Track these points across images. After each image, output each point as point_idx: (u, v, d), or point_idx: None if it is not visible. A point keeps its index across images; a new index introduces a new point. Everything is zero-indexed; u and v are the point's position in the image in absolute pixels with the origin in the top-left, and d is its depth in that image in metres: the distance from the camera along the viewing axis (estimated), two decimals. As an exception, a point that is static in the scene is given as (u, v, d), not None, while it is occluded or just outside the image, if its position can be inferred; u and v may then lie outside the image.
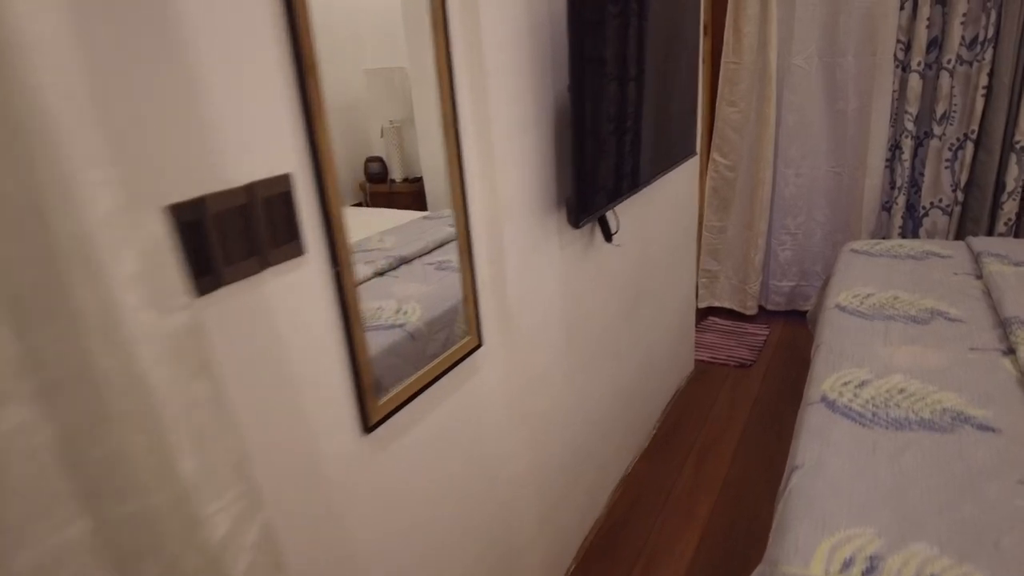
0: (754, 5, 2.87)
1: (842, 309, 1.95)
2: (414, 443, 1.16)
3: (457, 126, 1.16)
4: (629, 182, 1.70)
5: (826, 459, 1.29)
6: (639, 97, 1.67)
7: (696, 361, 2.90)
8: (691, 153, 2.27)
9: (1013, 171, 2.69)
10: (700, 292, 3.34)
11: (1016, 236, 2.74)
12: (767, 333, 3.12)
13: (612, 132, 1.54)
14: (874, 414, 1.42)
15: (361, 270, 1.00)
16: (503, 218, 1.33)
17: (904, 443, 1.32)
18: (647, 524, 1.99)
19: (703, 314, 3.34)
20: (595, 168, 1.50)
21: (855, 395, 1.49)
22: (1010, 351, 1.64)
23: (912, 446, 1.31)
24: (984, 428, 1.35)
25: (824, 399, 1.50)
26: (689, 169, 2.48)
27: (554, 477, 1.69)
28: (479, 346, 1.29)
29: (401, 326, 1.12)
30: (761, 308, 3.33)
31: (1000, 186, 2.75)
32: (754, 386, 2.71)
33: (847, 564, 1.06)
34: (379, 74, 1.23)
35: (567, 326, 1.66)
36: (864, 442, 1.34)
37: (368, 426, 1.02)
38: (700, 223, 3.24)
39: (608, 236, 1.80)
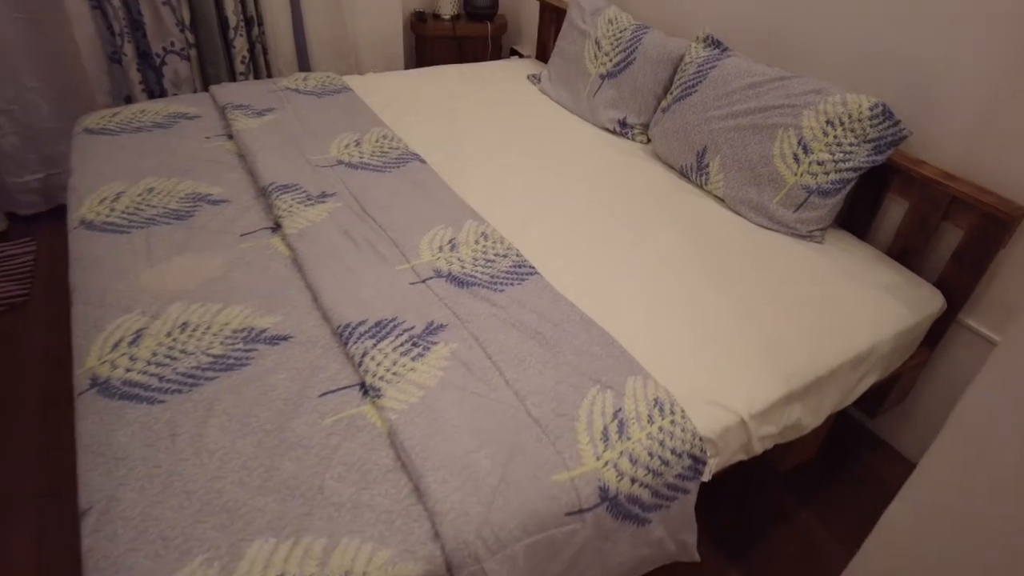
0: None
1: (89, 227, 1.50)
2: None
3: None
4: None
5: (120, 493, 0.94)
6: None
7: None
8: None
9: (230, 4, 2.52)
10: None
11: (256, 76, 2.69)
12: (34, 249, 2.41)
13: None
14: (161, 378, 1.12)
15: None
16: None
17: (207, 407, 1.07)
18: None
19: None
20: None
21: (132, 361, 1.15)
22: (277, 227, 1.55)
23: (216, 408, 1.07)
24: (277, 340, 1.22)
25: (94, 381, 1.11)
26: None
27: None
28: None
29: None
30: (13, 216, 2.52)
31: (224, 21, 2.57)
32: (40, 332, 2.07)
33: None
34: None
35: None
36: (158, 428, 1.04)
37: None
38: None
39: None
